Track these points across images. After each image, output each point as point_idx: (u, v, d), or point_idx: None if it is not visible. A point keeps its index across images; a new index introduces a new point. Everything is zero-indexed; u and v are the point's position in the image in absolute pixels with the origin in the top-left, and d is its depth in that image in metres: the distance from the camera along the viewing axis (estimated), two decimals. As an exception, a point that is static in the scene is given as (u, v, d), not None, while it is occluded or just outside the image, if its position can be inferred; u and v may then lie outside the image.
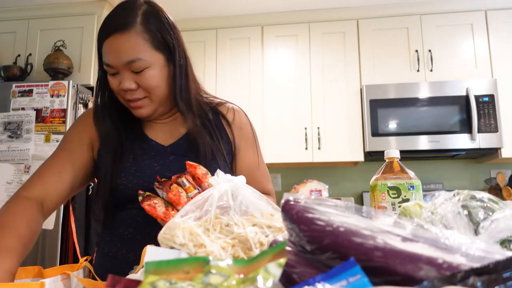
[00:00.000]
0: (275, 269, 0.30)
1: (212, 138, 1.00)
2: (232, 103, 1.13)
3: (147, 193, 0.81)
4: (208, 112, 1.04)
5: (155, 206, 0.77)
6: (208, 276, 0.31)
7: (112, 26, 0.90)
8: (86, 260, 0.75)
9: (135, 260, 0.91)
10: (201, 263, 0.33)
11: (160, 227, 0.90)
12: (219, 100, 1.11)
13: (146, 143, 0.99)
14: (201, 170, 0.82)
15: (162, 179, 0.83)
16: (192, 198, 0.76)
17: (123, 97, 0.95)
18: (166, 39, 0.93)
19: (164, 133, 1.02)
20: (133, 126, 1.02)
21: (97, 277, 0.80)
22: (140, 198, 0.80)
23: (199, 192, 0.78)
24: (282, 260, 0.30)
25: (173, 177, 0.82)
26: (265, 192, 1.06)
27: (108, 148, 0.97)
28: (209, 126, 1.01)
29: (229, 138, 1.05)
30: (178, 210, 0.75)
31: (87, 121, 1.02)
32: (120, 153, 0.96)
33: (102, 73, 0.98)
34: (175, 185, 0.79)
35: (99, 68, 0.98)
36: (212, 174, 0.68)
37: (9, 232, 0.79)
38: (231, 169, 1.03)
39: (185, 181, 0.79)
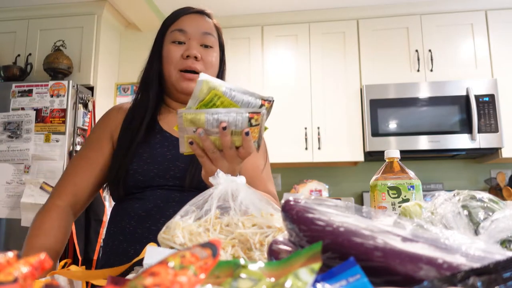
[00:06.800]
0: (307, 275, 0.27)
1: None
2: None
3: None
4: None
5: None
6: (237, 281, 0.29)
7: (196, 9, 1.07)
8: (65, 264, 0.75)
9: (134, 254, 0.91)
10: (232, 267, 0.31)
11: (160, 222, 0.91)
12: None
13: (161, 134, 1.03)
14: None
15: None
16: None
17: (182, 66, 1.01)
18: (222, 42, 1.12)
19: None
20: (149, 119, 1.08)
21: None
22: None
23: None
24: (316, 265, 0.28)
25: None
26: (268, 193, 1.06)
27: (129, 128, 1.01)
28: None
29: None
30: None
31: (109, 115, 1.08)
32: (135, 141, 1.00)
33: (157, 48, 1.06)
34: None
35: (155, 44, 1.07)
36: None
37: (46, 239, 0.90)
38: None
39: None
